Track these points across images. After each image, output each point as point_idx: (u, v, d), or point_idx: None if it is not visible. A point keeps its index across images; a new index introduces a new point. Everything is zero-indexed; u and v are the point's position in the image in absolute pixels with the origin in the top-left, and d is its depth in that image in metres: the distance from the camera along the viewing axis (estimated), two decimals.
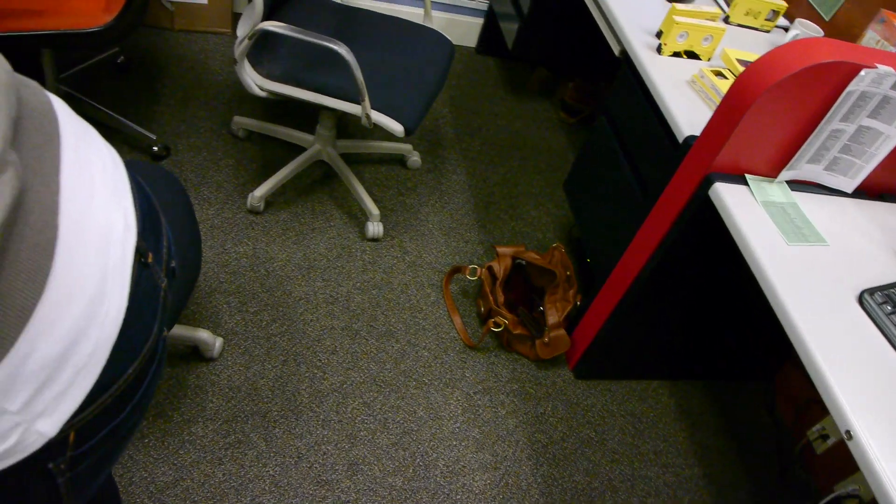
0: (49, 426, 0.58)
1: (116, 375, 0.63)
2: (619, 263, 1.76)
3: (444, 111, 2.77)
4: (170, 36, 2.70)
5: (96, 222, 0.61)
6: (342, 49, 1.62)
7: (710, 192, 1.42)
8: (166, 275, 0.75)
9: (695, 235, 1.57)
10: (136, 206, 0.70)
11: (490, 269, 2.01)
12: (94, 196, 0.62)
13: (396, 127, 1.75)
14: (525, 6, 2.63)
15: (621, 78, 1.85)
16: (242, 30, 1.74)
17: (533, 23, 2.62)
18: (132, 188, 0.71)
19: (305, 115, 2.52)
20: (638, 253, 1.68)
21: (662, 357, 2.00)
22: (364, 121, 1.75)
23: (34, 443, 0.58)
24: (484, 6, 3.09)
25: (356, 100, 1.76)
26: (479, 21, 3.13)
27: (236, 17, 2.87)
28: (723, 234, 1.59)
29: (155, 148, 2.17)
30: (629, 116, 1.79)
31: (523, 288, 2.08)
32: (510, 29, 2.76)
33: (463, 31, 3.15)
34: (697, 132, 1.51)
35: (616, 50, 1.91)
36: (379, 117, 1.76)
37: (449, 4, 3.05)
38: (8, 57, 0.59)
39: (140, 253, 0.68)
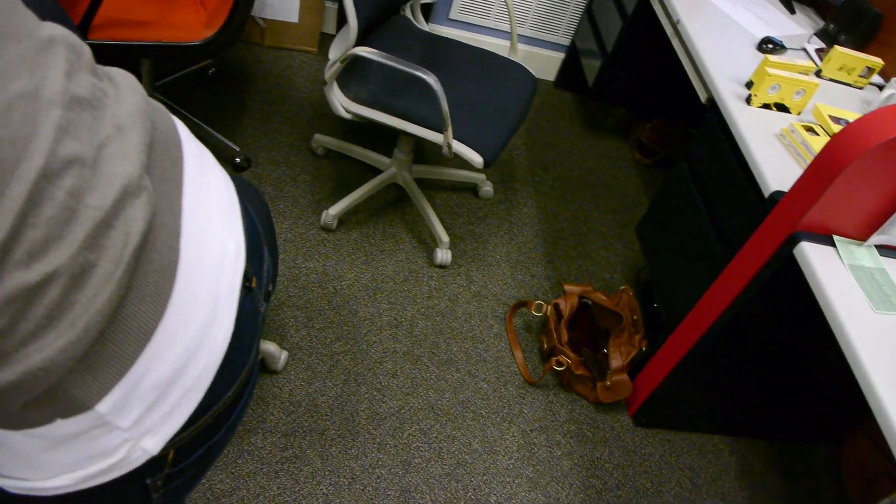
0: (153, 444, 0.60)
1: (217, 398, 0.65)
2: (690, 313, 1.72)
3: (518, 143, 2.78)
4: (259, 51, 2.78)
5: (212, 247, 0.63)
6: (431, 79, 1.64)
7: (795, 251, 1.39)
8: (265, 298, 0.77)
9: (774, 292, 1.53)
10: (244, 230, 0.72)
11: (556, 306, 2.00)
12: (211, 220, 0.64)
13: (476, 158, 1.76)
14: (609, 44, 2.63)
15: (706, 125, 1.82)
16: (335, 53, 1.78)
17: (615, 61, 2.62)
18: (241, 212, 0.73)
19: (383, 138, 2.55)
20: (712, 305, 1.64)
21: (726, 412, 1.94)
22: (445, 150, 1.76)
23: (138, 459, 0.60)
24: (566, 41, 3.09)
25: (439, 128, 1.78)
26: (560, 56, 3.14)
27: (324, 37, 2.94)
28: (803, 293, 1.54)
29: (238, 159, 2.24)
30: (712, 165, 1.76)
31: (588, 328, 2.05)
32: (592, 66, 2.76)
33: (543, 64, 3.16)
34: (784, 187, 1.48)
35: (703, 97, 1.89)
36: (460, 147, 1.77)
37: (531, 38, 3.07)
38: (110, 63, 0.61)
39: (246, 277, 0.70)
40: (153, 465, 0.62)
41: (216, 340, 0.63)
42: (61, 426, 0.55)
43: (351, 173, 2.37)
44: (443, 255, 2.14)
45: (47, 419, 0.54)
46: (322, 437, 1.67)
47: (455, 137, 1.78)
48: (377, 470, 1.64)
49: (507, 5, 2.20)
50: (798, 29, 2.16)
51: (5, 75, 0.48)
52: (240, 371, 0.68)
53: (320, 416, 1.70)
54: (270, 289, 0.81)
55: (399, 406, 1.78)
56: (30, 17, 0.53)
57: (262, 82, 2.62)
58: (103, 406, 0.55)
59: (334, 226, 2.14)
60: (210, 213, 0.65)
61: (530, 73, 2.11)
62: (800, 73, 1.76)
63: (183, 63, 2.51)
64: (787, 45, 2.06)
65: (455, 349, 1.96)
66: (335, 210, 2.10)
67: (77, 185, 0.51)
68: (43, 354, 0.50)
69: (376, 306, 1.99)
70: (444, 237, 2.12)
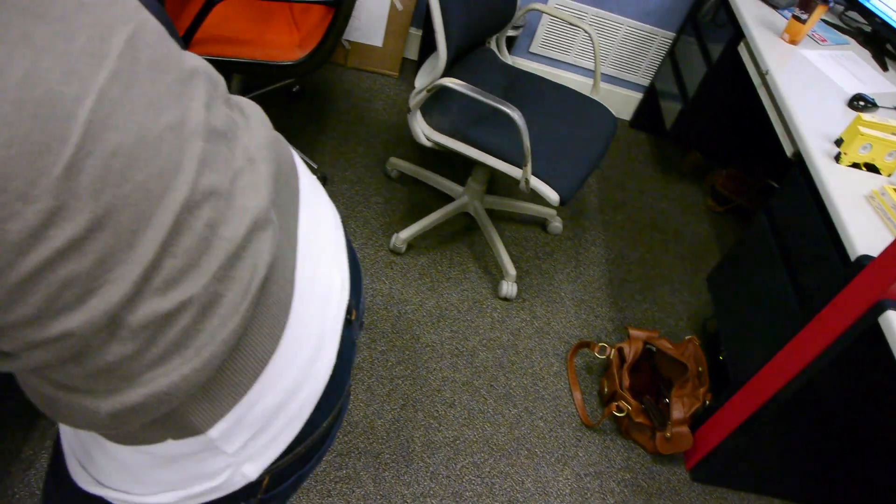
0: (253, 470, 0.62)
1: (314, 428, 0.66)
2: (760, 371, 1.68)
3: (590, 181, 2.76)
4: (342, 72, 2.84)
5: (322, 279, 0.65)
6: (515, 114, 1.65)
7: (881, 319, 1.34)
8: (358, 328, 0.78)
9: (854, 359, 1.48)
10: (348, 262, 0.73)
11: (620, 350, 1.97)
12: (322, 252, 0.66)
13: (553, 196, 1.76)
14: (691, 89, 2.60)
15: (791, 181, 1.78)
16: (421, 81, 1.81)
17: (696, 106, 2.59)
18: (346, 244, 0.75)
19: (457, 166, 2.57)
20: (784, 366, 1.59)
21: (790, 476, 1.88)
22: (522, 185, 1.77)
23: (236, 483, 0.61)
24: (645, 82, 3.08)
25: (517, 162, 1.79)
26: (638, 96, 3.12)
27: (405, 62, 3.00)
28: (885, 362, 1.49)
29: (315, 176, 2.28)
30: (795, 221, 1.72)
31: (650, 375, 2.02)
32: (671, 109, 2.73)
33: (619, 103, 3.15)
34: (872, 252, 1.43)
35: (788, 151, 1.85)
36: (537, 183, 1.78)
37: (609, 76, 3.07)
38: None
39: (348, 310, 0.71)
40: (248, 490, 0.63)
41: (319, 372, 0.64)
42: (171, 446, 0.57)
43: (423, 198, 2.40)
44: (508, 287, 2.13)
45: (159, 439, 0.56)
46: (376, 461, 1.67)
47: (532, 173, 1.79)
48: (428, 499, 1.64)
49: (592, 44, 2.20)
50: (891, 87, 2.10)
51: (157, 106, 0.50)
52: (335, 402, 0.69)
53: (376, 438, 1.71)
54: (363, 319, 0.82)
55: (454, 436, 1.77)
56: (175, 46, 0.55)
57: (342, 102, 2.68)
58: (215, 431, 0.56)
59: (403, 249, 2.16)
60: (320, 245, 0.66)
61: (610, 112, 2.10)
62: (893, 133, 1.72)
63: (272, 80, 2.58)
64: (879, 103, 2.00)
65: (514, 384, 1.95)
66: (405, 234, 2.12)
67: (213, 216, 0.53)
68: (168, 379, 0.51)
69: (439, 333, 1.99)
70: (512, 270, 2.12)
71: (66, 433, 0.66)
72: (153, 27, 0.53)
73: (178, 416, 0.54)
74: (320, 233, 0.67)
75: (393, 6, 2.67)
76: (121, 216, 0.47)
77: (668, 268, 2.51)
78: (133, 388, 0.51)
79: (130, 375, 0.50)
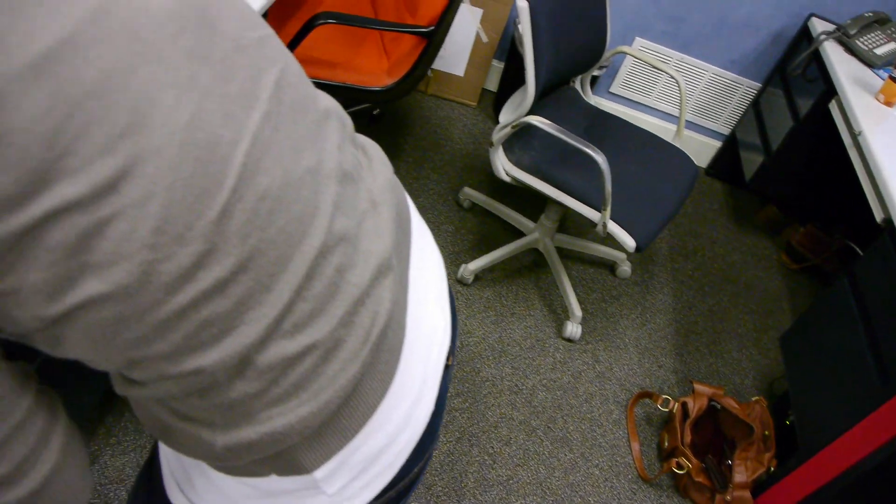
0: None
1: (406, 472, 0.66)
2: (834, 443, 1.61)
3: None
4: (421, 98, 2.88)
5: (428, 323, 0.65)
6: (600, 158, 1.64)
7: None
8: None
9: None
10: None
11: (684, 404, 1.92)
12: (428, 294, 0.66)
13: (630, 242, 1.74)
14: (774, 142, 2.55)
15: (879, 248, 1.72)
16: (506, 117, 1.81)
17: (779, 160, 2.53)
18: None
19: (530, 201, 2.57)
20: (861, 440, 1.53)
21: None
22: (600, 228, 1.75)
23: None
24: (725, 130, 3.03)
25: (597, 205, 1.77)
26: (716, 143, 3.07)
27: (484, 93, 3.01)
28: None
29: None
30: (880, 291, 1.66)
31: (713, 434, 1.96)
32: (751, 160, 2.68)
33: (697, 149, 3.11)
34: None
35: (878, 216, 1.79)
36: (614, 228, 1.76)
37: (688, 121, 3.03)
38: None
39: (447, 355, 0.71)
40: None
41: (419, 418, 0.64)
42: (275, 481, 0.57)
43: (493, 230, 2.39)
44: (573, 328, 2.11)
45: (264, 473, 0.56)
46: (428, 492, 1.66)
47: (611, 217, 1.77)
48: None
49: (679, 90, 2.18)
50: None
51: (298, 149, 0.51)
52: (429, 447, 0.69)
53: (430, 469, 1.70)
54: (454, 362, 0.82)
55: (508, 476, 1.75)
56: (311, 86, 0.56)
57: (420, 128, 2.71)
58: (320, 472, 0.56)
59: (470, 280, 2.16)
60: (427, 288, 0.66)
61: (692, 161, 2.07)
62: None
63: (356, 103, 2.63)
64: None
65: (571, 428, 1.91)
66: (474, 266, 2.12)
67: (343, 261, 0.53)
68: (284, 420, 0.52)
69: (500, 369, 1.98)
70: (578, 311, 2.10)
71: (167, 453, 0.67)
72: (295, 67, 0.54)
73: (287, 455, 0.55)
74: (428, 275, 0.67)
75: (478, 38, 2.70)
76: (262, 260, 0.48)
77: (736, 322, 2.44)
78: (250, 426, 0.51)
79: (249, 412, 0.51)
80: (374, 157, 0.64)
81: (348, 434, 0.56)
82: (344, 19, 1.72)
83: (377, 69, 1.95)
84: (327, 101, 0.58)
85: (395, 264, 0.58)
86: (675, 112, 3.00)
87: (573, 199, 1.80)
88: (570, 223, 2.55)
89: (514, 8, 2.79)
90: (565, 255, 2.42)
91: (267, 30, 0.52)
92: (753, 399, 1.96)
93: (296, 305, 0.50)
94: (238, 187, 0.45)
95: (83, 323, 0.42)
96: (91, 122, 0.39)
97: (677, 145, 2.11)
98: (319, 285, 0.51)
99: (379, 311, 0.55)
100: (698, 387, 1.95)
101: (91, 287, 0.41)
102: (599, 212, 1.76)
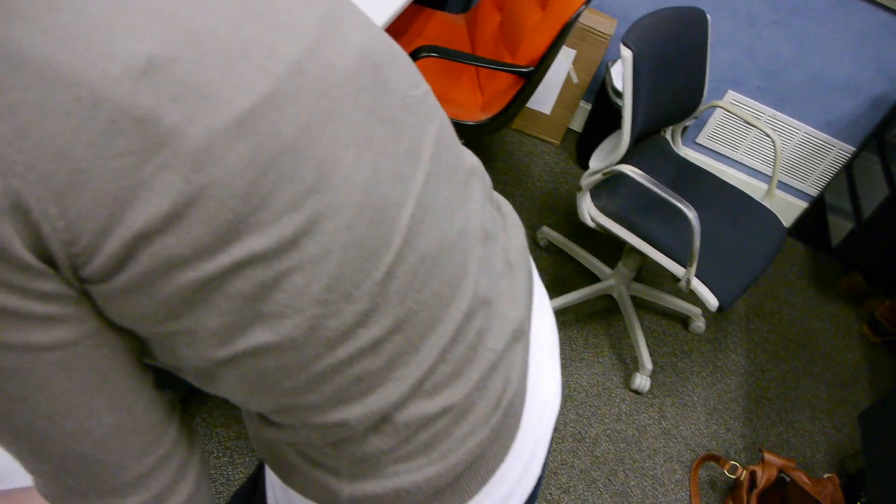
0: None
1: None
2: None
3: None
4: (505, 132, 2.89)
5: (544, 386, 0.64)
6: (691, 214, 1.61)
7: None
8: None
9: None
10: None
11: (753, 473, 1.86)
12: (545, 356, 0.66)
13: (712, 301, 1.70)
14: (867, 209, 2.47)
15: None
16: (596, 163, 1.80)
17: (871, 228, 2.45)
18: None
19: (607, 246, 2.54)
20: None
21: None
22: (683, 284, 1.72)
23: None
24: (813, 192, 2.95)
25: (682, 260, 1.74)
26: (802, 204, 2.99)
27: (568, 133, 3.01)
28: None
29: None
30: None
31: None
32: (840, 225, 2.60)
33: (782, 208, 3.03)
34: None
35: None
36: (698, 285, 1.72)
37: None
38: None
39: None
40: None
41: (529, 481, 0.63)
42: None
43: (568, 272, 2.38)
44: (641, 380, 2.07)
45: None
46: None
47: (695, 273, 1.74)
48: None
49: (774, 149, 2.14)
50: None
51: (450, 210, 0.51)
52: None
53: None
54: None
55: None
56: (458, 142, 0.57)
57: (502, 163, 2.72)
58: None
59: None
60: (543, 349, 0.66)
61: (781, 222, 2.02)
62: None
63: None
64: None
65: (632, 483, 1.87)
66: None
67: (483, 325, 0.54)
68: (412, 477, 0.52)
69: (564, 415, 1.95)
70: (648, 364, 2.06)
71: (275, 485, 0.68)
72: (448, 124, 0.55)
73: None
74: (545, 337, 0.67)
75: (569, 78, 2.70)
76: (415, 321, 0.48)
77: (810, 392, 2.36)
78: (377, 479, 0.52)
79: (378, 466, 0.51)
80: (507, 216, 0.64)
81: (465, 496, 0.55)
82: (447, 54, 1.75)
83: (472, 104, 1.97)
84: (471, 159, 0.59)
85: (527, 331, 0.58)
86: (762, 168, 2.94)
87: (657, 252, 1.77)
88: (646, 272, 2.52)
89: (607, 51, 2.79)
90: (638, 304, 2.38)
91: (426, 86, 0.53)
92: (826, 476, 1.88)
93: (438, 367, 0.51)
94: (402, 249, 0.46)
95: (245, 368, 0.44)
96: (283, 178, 0.41)
97: (766, 205, 2.07)
98: (461, 348, 0.52)
99: (510, 376, 0.55)
100: (769, 456, 1.89)
101: (260, 336, 0.42)
102: (684, 266, 1.73)
